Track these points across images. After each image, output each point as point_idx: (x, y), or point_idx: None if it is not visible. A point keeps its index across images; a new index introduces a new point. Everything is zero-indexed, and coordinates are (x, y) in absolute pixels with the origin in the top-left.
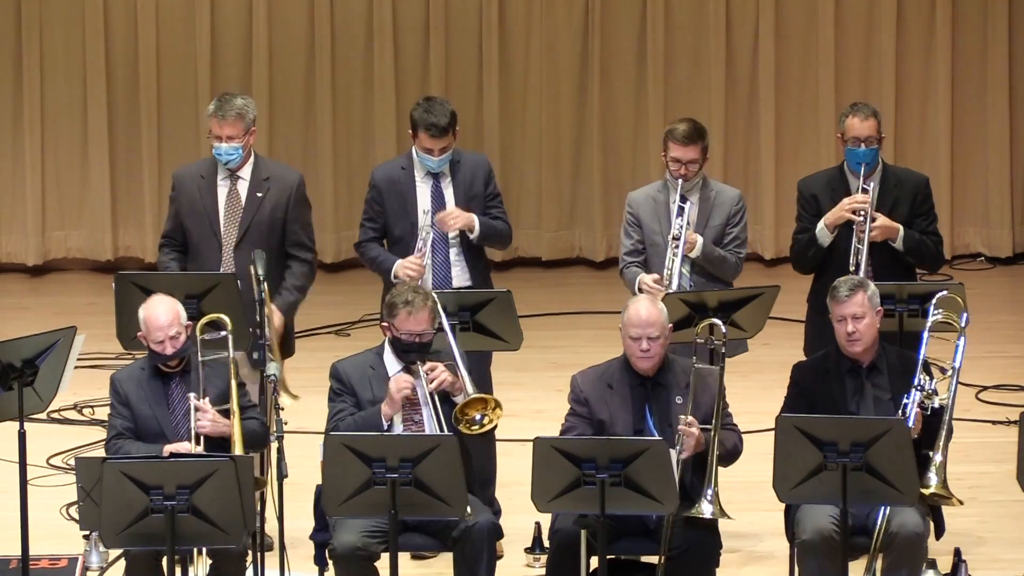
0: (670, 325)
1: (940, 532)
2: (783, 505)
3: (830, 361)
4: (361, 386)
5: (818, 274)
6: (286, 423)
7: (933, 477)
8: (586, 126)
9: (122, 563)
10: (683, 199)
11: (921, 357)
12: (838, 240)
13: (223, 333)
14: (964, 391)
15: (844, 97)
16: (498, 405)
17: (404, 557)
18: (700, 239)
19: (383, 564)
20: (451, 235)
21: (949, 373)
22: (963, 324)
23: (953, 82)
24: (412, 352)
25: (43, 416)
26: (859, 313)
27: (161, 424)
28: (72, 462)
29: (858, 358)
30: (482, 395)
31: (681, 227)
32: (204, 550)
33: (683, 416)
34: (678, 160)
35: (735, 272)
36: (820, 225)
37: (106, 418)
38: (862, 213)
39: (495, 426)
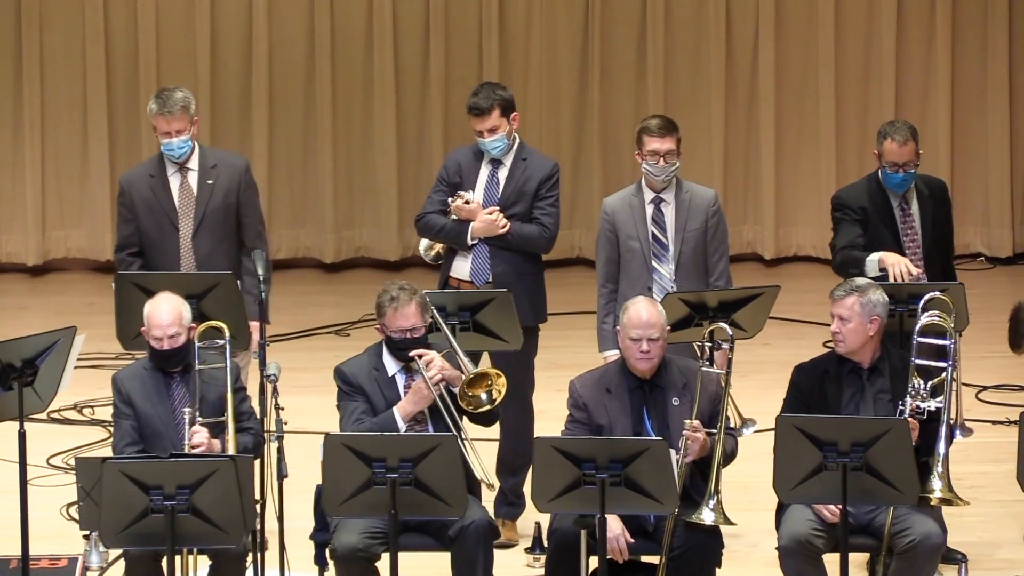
0: (668, 326)
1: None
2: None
3: (831, 362)
4: (370, 387)
5: None
6: (286, 423)
7: (937, 482)
8: (586, 126)
9: (122, 563)
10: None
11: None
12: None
13: (220, 343)
14: (964, 391)
15: (844, 97)
16: (499, 375)
17: (404, 557)
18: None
19: (383, 564)
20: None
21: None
22: (953, 325)
23: (953, 82)
24: (405, 349)
25: (43, 416)
26: (846, 316)
27: (163, 424)
28: (72, 462)
29: (858, 360)
30: (481, 370)
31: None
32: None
33: (688, 421)
34: (656, 152)
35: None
36: (874, 259)
37: (106, 418)
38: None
39: (502, 396)
